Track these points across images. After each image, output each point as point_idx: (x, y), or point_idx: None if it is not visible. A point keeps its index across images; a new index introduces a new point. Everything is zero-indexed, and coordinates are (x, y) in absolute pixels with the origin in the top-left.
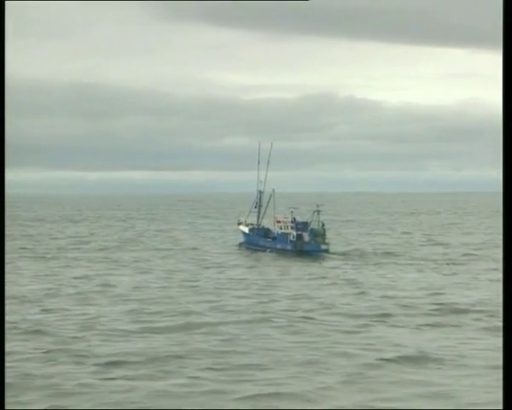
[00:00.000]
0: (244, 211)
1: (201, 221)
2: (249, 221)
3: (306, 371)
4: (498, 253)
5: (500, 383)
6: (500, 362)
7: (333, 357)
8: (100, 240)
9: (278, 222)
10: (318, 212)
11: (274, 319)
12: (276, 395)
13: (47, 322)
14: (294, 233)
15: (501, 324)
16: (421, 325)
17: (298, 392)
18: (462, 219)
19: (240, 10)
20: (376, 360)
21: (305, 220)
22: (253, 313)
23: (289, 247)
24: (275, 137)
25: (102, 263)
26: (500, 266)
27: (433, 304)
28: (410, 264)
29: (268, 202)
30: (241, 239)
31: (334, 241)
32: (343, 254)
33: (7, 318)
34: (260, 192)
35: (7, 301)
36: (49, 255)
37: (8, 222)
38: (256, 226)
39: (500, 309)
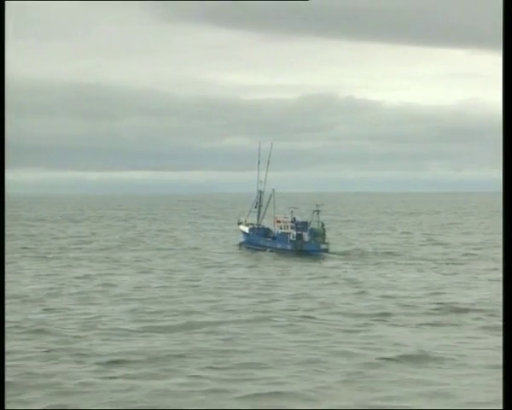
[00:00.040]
0: (244, 211)
1: (202, 221)
2: (249, 221)
3: (307, 370)
4: (498, 253)
5: (499, 382)
6: (499, 361)
7: (333, 356)
8: (101, 240)
9: (278, 222)
10: (318, 212)
11: (274, 319)
12: (277, 394)
13: (49, 321)
14: (294, 233)
15: (500, 323)
16: (421, 324)
17: (298, 391)
18: (462, 218)
19: (240, 11)
20: (376, 359)
21: (304, 220)
22: (253, 313)
23: (289, 246)
24: (275, 138)
25: (104, 263)
26: (499, 265)
27: (433, 303)
28: (410, 264)
29: (268, 201)
30: (242, 239)
31: (335, 241)
32: (343, 253)
33: (9, 317)
34: (260, 192)
35: (9, 301)
36: (51, 255)
37: (9, 222)
38: (256, 226)
39: (499, 308)
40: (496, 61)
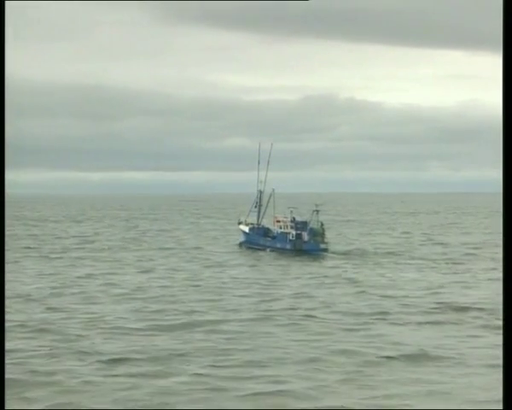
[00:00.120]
0: (245, 211)
1: (204, 221)
2: (249, 221)
3: (307, 368)
4: (497, 252)
5: (498, 381)
6: (498, 360)
7: (333, 355)
8: (104, 239)
9: (278, 222)
10: (317, 211)
11: (275, 318)
12: (278, 392)
13: (52, 320)
14: (294, 232)
15: (499, 322)
16: (421, 323)
17: (299, 389)
18: (462, 218)
19: (240, 13)
20: (377, 357)
21: (304, 220)
22: (254, 312)
23: (289, 246)
24: (276, 138)
25: (106, 262)
26: (499, 265)
27: (433, 302)
28: (410, 263)
29: (268, 201)
30: (242, 238)
31: (335, 240)
32: (344, 253)
33: (13, 316)
34: (260, 192)
35: (13, 300)
36: (54, 255)
37: (13, 222)
38: (256, 226)
39: (499, 307)
40: (495, 62)
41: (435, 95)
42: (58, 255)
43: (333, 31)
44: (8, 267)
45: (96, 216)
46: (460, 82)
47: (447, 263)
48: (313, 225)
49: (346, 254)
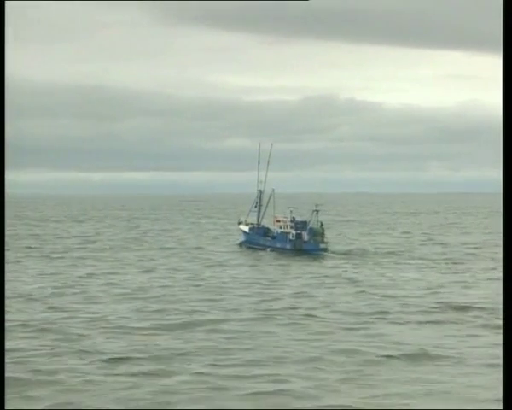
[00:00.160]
0: (245, 211)
1: (204, 221)
2: (249, 221)
3: (308, 368)
4: (497, 252)
5: (498, 380)
6: (498, 359)
7: (334, 354)
8: (105, 239)
9: (278, 221)
10: (317, 211)
11: (276, 317)
12: (279, 391)
13: (53, 320)
14: (294, 232)
15: (499, 321)
16: (421, 323)
17: (299, 389)
18: (461, 218)
19: (240, 14)
20: (377, 356)
21: (304, 220)
22: (255, 311)
23: (289, 246)
24: (276, 139)
25: (108, 262)
26: (498, 264)
27: (433, 302)
28: (410, 263)
29: (268, 201)
30: (242, 238)
31: (336, 240)
32: (344, 253)
33: (15, 316)
34: (260, 192)
35: (15, 300)
36: (56, 255)
37: (15, 222)
38: (256, 226)
39: (499, 307)
40: (495, 63)
41: (435, 95)
42: (60, 255)
43: (333, 32)
44: (9, 267)
45: (98, 216)
46: (460, 82)
47: (447, 263)
48: (313, 224)
49: (346, 254)
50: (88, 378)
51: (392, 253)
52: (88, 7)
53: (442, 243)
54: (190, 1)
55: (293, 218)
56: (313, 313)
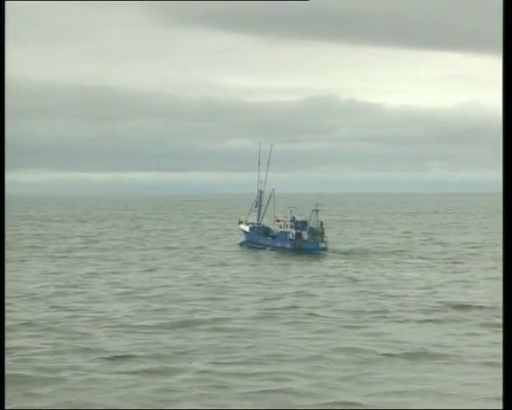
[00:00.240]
0: (246, 211)
1: (206, 221)
2: (250, 220)
3: (309, 366)
4: (496, 251)
5: (497, 378)
6: (497, 358)
7: (334, 352)
8: (108, 239)
9: (278, 221)
10: (317, 211)
11: (277, 316)
12: (279, 390)
13: (56, 319)
14: (294, 232)
15: (499, 320)
16: (421, 321)
17: (300, 387)
18: (461, 218)
19: (241, 15)
20: (377, 355)
21: (304, 219)
22: (256, 310)
23: (289, 245)
24: (277, 139)
25: (110, 261)
26: (498, 264)
27: (433, 301)
28: (410, 262)
29: (268, 201)
30: (242, 238)
31: (337, 240)
32: (345, 252)
33: (18, 315)
34: (261, 192)
35: (18, 299)
36: (59, 254)
37: (18, 222)
38: (256, 225)
39: (498, 306)
40: (495, 64)
41: (435, 96)
42: (63, 254)
43: (333, 33)
44: (13, 266)
45: (100, 216)
46: (460, 83)
47: (447, 262)
48: (313, 224)
49: (347, 254)
50: (90, 376)
51: (393, 252)
52: (88, 8)
53: (442, 243)
54: (190, 1)
55: (293, 217)
56: (314, 311)
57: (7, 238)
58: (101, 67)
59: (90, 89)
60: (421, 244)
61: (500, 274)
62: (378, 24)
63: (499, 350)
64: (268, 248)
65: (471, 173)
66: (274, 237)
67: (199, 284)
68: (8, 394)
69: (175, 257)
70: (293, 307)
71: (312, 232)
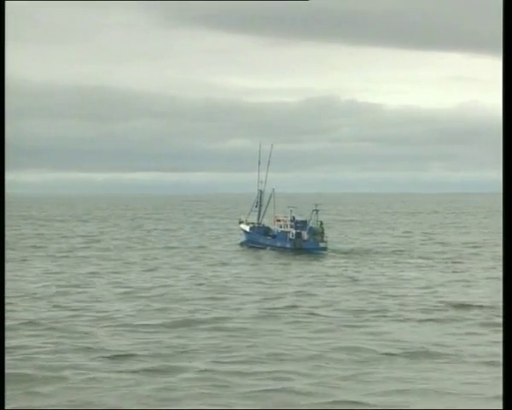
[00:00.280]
0: (247, 211)
1: (207, 221)
2: (250, 220)
3: (309, 365)
4: (496, 251)
5: (497, 377)
6: (497, 357)
7: (334, 352)
8: (109, 239)
9: (278, 221)
10: (317, 211)
11: (278, 315)
12: (280, 389)
13: (58, 318)
14: (294, 231)
15: (498, 319)
16: (421, 321)
17: (300, 386)
18: (461, 218)
19: (241, 16)
20: (377, 354)
21: (303, 219)
22: (257, 309)
23: (289, 245)
24: (277, 140)
25: (112, 261)
26: (497, 264)
27: (433, 300)
28: (411, 262)
29: (268, 201)
30: (243, 237)
31: (337, 239)
32: (345, 252)
33: (21, 314)
34: (261, 192)
35: (20, 299)
36: (61, 254)
37: (20, 221)
38: (257, 225)
39: (498, 305)
40: (495, 64)
41: (435, 96)
42: (64, 254)
43: (333, 33)
44: (15, 266)
45: (101, 216)
46: (460, 84)
47: (447, 262)
48: (313, 224)
49: (347, 253)
50: (92, 375)
51: (393, 252)
52: (88, 8)
53: (442, 243)
54: (190, 1)
55: (293, 217)
56: (315, 311)
57: (8, 238)
58: (102, 67)
59: (91, 89)
60: (422, 244)
61: (500, 274)
62: (378, 24)
63: (499, 349)
64: (268, 248)
65: (471, 173)
66: (274, 237)
67: (200, 284)
68: (10, 392)
69: (176, 257)
70: (294, 306)
71: (312, 232)
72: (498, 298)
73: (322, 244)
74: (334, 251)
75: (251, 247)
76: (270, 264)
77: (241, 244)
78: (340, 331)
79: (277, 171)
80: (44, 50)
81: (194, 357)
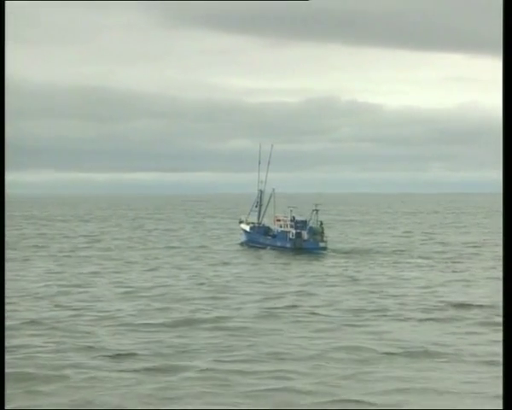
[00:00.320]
0: (247, 211)
1: (208, 220)
2: (250, 220)
3: (310, 364)
4: (496, 251)
5: (496, 377)
6: (497, 356)
7: (335, 351)
8: (110, 238)
9: (278, 221)
10: (317, 211)
11: (278, 315)
12: (281, 388)
13: (59, 317)
14: (294, 231)
15: (498, 318)
16: (421, 320)
17: (301, 385)
18: (461, 218)
19: (241, 16)
20: (378, 354)
21: (304, 219)
22: (258, 309)
23: (289, 244)
24: (278, 140)
25: (113, 261)
26: (497, 263)
27: (434, 300)
28: (411, 262)
29: (268, 201)
30: (243, 237)
31: (338, 239)
32: (345, 252)
33: (23, 314)
34: (261, 192)
35: (22, 298)
36: (62, 253)
37: (22, 221)
38: (257, 225)
39: (498, 305)
40: (495, 65)
41: (435, 97)
42: (66, 254)
43: (333, 34)
44: (17, 266)
45: (103, 216)
46: (460, 84)
47: (447, 262)
48: (313, 224)
49: (347, 253)
50: (93, 374)
51: (393, 252)
52: (88, 8)
53: (442, 243)
54: (190, 1)
55: (293, 217)
56: (315, 310)
57: (10, 238)
58: (102, 67)
59: (91, 89)
60: (422, 244)
61: (500, 274)
62: (378, 25)
63: (499, 349)
64: (268, 248)
65: (471, 174)
66: (274, 237)
67: (201, 283)
68: (11, 391)
69: (177, 256)
70: (294, 306)
71: (312, 232)
72: (498, 298)
73: (322, 244)
74: (334, 251)
75: (251, 247)
76: (271, 264)
77: (242, 244)
78: (340, 331)
79: (277, 171)
80: (44, 51)
81: (195, 356)
